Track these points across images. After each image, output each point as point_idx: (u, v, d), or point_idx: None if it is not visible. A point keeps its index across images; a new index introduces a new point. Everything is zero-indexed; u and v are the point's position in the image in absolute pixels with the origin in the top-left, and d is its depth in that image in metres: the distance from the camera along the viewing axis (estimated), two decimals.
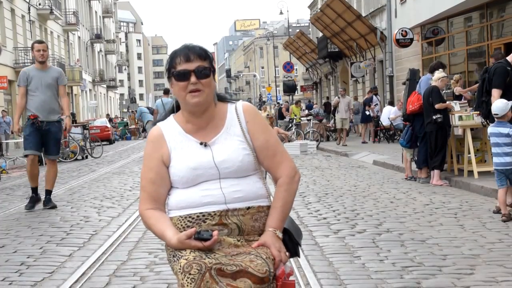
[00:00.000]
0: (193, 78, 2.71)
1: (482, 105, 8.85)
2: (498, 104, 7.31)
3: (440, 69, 10.88)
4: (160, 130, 2.86)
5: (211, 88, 2.77)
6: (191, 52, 2.74)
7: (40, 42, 9.61)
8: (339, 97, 23.04)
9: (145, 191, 2.83)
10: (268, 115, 30.36)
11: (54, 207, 9.21)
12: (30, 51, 8.71)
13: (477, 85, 10.81)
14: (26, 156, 9.43)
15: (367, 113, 23.42)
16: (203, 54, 2.75)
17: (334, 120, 26.63)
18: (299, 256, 2.93)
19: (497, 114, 7.24)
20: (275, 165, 2.84)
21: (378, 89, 27.67)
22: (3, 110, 26.34)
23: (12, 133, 21.40)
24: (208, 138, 2.81)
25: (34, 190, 9.20)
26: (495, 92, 8.43)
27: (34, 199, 9.18)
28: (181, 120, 2.85)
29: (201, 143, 2.79)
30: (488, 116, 8.55)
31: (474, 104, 10.68)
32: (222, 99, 2.89)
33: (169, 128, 2.85)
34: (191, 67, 2.72)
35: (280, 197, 2.80)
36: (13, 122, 8.39)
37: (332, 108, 25.08)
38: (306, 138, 22.96)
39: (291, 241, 2.82)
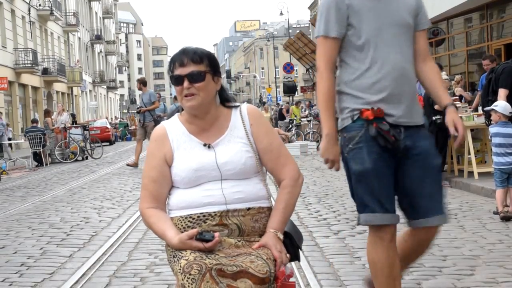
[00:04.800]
0: (186, 83, 2.74)
1: (488, 104, 8.88)
2: (502, 104, 7.32)
3: (443, 72, 10.91)
4: (164, 129, 2.88)
5: (207, 92, 2.78)
6: (185, 56, 2.77)
7: None
8: None
9: (146, 189, 2.84)
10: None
11: None
12: None
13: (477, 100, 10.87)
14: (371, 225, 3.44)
15: None
16: (197, 59, 2.76)
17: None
18: (299, 260, 2.94)
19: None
20: (279, 168, 2.85)
21: None
22: None
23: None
24: (212, 139, 2.82)
25: None
26: (502, 92, 8.49)
27: None
28: (185, 121, 2.87)
29: (204, 145, 2.80)
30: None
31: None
32: (226, 101, 2.90)
33: (173, 127, 2.87)
34: (184, 72, 2.75)
35: (283, 199, 2.81)
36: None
37: None
38: (306, 139, 22.97)
39: (291, 244, 2.83)
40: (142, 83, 16.31)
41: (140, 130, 16.08)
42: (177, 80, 2.77)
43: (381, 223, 3.25)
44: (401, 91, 3.29)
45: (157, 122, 16.08)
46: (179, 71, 2.77)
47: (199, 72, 2.75)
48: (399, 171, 3.29)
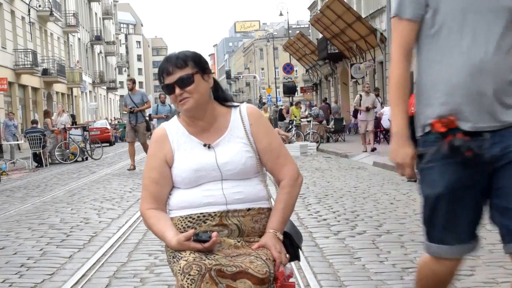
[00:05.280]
0: (177, 90, 2.75)
1: None
2: None
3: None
4: (164, 130, 2.88)
5: (200, 92, 2.77)
6: (169, 64, 2.77)
7: None
8: (361, 95, 19.25)
9: (147, 190, 2.84)
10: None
11: None
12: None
13: None
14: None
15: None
16: (181, 63, 2.75)
17: (334, 122, 26.70)
18: (299, 260, 2.94)
19: None
20: (278, 167, 2.85)
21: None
22: (10, 112, 26.38)
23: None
24: (212, 140, 2.82)
25: None
26: None
27: None
28: (185, 122, 2.87)
29: (204, 145, 2.81)
30: None
31: None
32: (225, 100, 2.90)
33: (173, 128, 2.87)
34: (172, 79, 2.75)
35: (282, 200, 2.82)
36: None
37: (353, 109, 21.80)
38: (306, 140, 22.98)
39: (291, 244, 2.83)
40: (135, 83, 16.10)
41: (131, 132, 15.69)
42: (168, 89, 2.78)
43: (451, 257, 2.77)
44: (482, 89, 2.59)
45: (148, 123, 15.97)
46: (168, 80, 2.77)
47: (187, 76, 2.75)
48: (492, 184, 2.67)
